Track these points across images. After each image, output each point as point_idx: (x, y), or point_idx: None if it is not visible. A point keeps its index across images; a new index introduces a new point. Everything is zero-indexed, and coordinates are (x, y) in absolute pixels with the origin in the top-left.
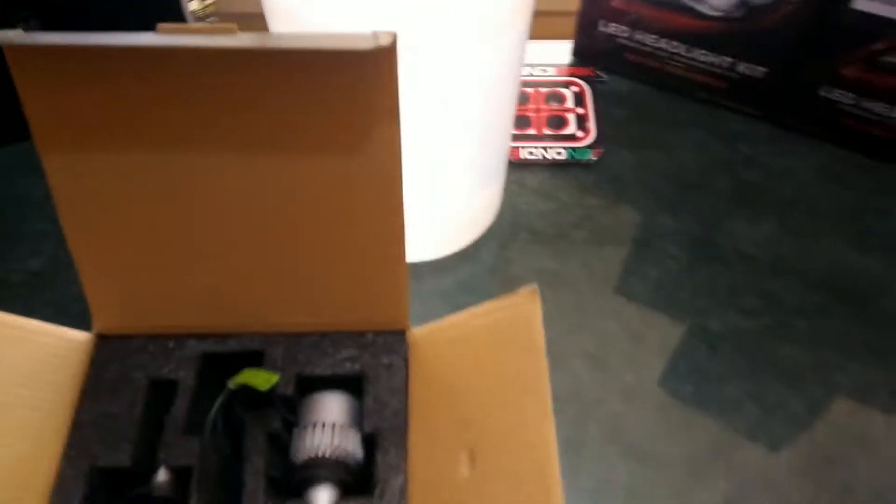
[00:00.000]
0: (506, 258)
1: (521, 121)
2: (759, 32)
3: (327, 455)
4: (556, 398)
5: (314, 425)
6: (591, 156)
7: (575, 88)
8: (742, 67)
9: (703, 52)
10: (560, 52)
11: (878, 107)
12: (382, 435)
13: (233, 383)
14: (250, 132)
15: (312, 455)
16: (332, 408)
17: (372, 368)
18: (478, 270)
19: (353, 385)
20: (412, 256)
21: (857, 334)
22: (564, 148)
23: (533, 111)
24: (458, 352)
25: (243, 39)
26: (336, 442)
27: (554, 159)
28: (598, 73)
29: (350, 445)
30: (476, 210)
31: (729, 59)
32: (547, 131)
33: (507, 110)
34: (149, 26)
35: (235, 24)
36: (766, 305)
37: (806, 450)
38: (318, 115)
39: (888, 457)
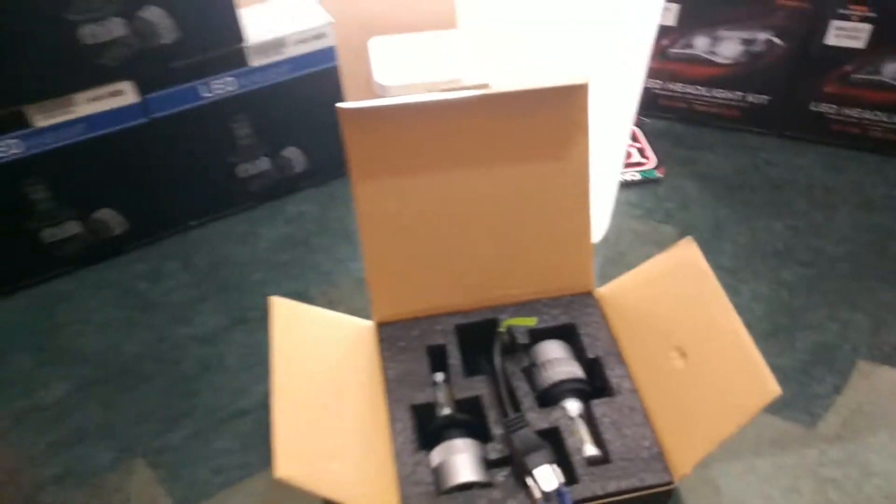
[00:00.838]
0: (619, 251)
1: None
2: (760, 70)
3: (563, 378)
4: None
5: (549, 362)
6: (658, 173)
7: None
8: (750, 98)
9: (719, 90)
10: None
11: (855, 112)
12: (603, 359)
13: (503, 326)
14: (493, 151)
15: (554, 381)
16: (555, 349)
17: (578, 318)
18: (599, 261)
19: (565, 333)
20: None
21: (872, 266)
22: (637, 171)
23: None
24: (641, 295)
25: (485, 91)
26: (566, 369)
27: (632, 180)
28: (642, 118)
29: (575, 370)
30: (600, 218)
31: (740, 94)
32: None
33: (625, 138)
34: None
35: (487, 83)
36: (815, 257)
37: None
38: (535, 134)
39: None
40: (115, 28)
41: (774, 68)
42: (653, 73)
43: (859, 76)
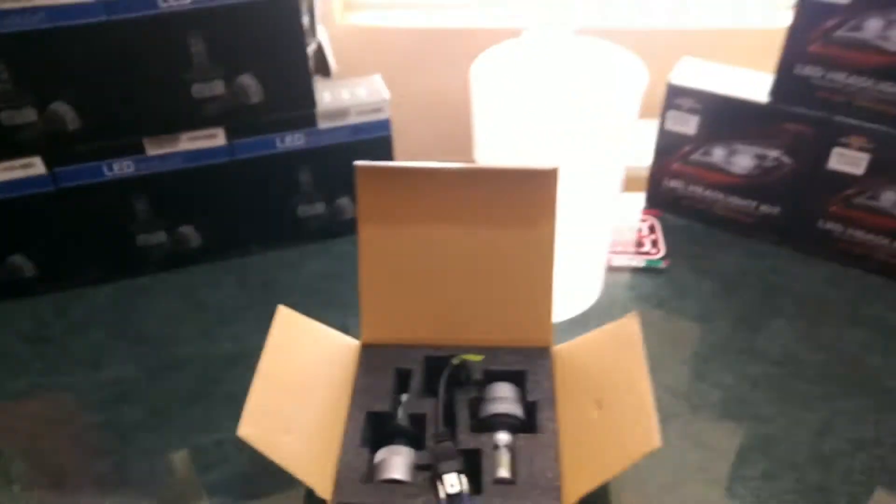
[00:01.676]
0: (601, 323)
1: (614, 241)
2: (772, 184)
3: (500, 412)
4: None
5: (494, 399)
6: (662, 264)
7: (648, 222)
8: (763, 208)
9: (735, 198)
10: (639, 199)
11: (859, 234)
12: (540, 402)
13: (456, 360)
14: (474, 215)
15: (493, 412)
16: (503, 388)
17: (530, 366)
18: (581, 326)
19: (517, 378)
20: None
21: (839, 377)
22: (644, 259)
23: (621, 235)
24: (584, 355)
25: (474, 166)
26: (506, 406)
27: (637, 266)
28: (663, 213)
29: (515, 409)
30: (585, 292)
31: (753, 203)
32: (631, 248)
33: (608, 222)
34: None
35: (475, 161)
36: (787, 359)
37: None
38: (512, 206)
39: None
40: (217, 88)
41: (784, 184)
42: (674, 175)
43: (859, 200)
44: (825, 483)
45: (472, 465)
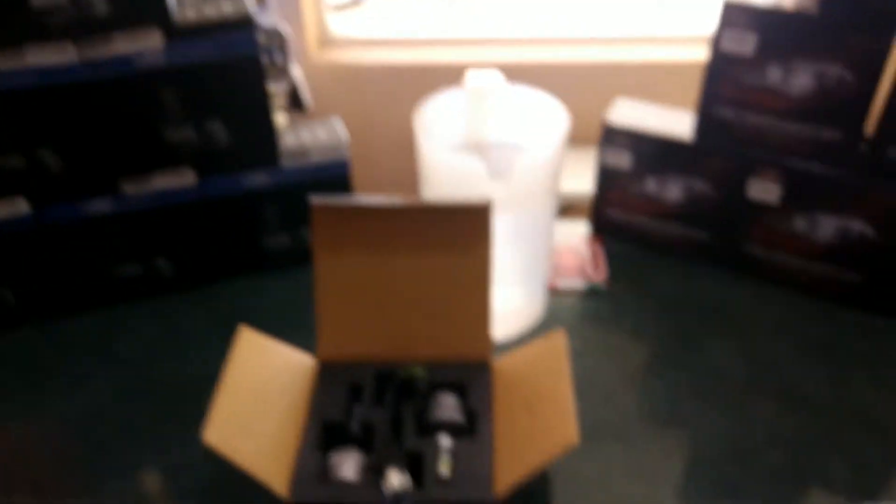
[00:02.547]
0: None
1: (559, 266)
2: (701, 212)
3: (444, 419)
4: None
5: (439, 406)
6: (602, 286)
7: (592, 248)
8: (694, 233)
9: (670, 225)
10: (584, 226)
11: (780, 256)
12: (479, 410)
13: (403, 372)
14: (418, 244)
15: (437, 420)
16: (447, 398)
17: (471, 378)
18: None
19: (460, 388)
20: None
21: (761, 383)
22: (585, 282)
23: (566, 260)
24: (518, 366)
25: (417, 201)
26: (449, 413)
27: (578, 289)
28: (606, 239)
29: (457, 416)
30: (529, 312)
31: (686, 229)
32: (575, 272)
33: (545, 249)
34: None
35: (416, 197)
36: (710, 370)
37: None
38: (452, 236)
39: None
40: (188, 133)
41: (712, 212)
42: (615, 204)
43: (777, 226)
44: (741, 478)
45: (417, 466)
